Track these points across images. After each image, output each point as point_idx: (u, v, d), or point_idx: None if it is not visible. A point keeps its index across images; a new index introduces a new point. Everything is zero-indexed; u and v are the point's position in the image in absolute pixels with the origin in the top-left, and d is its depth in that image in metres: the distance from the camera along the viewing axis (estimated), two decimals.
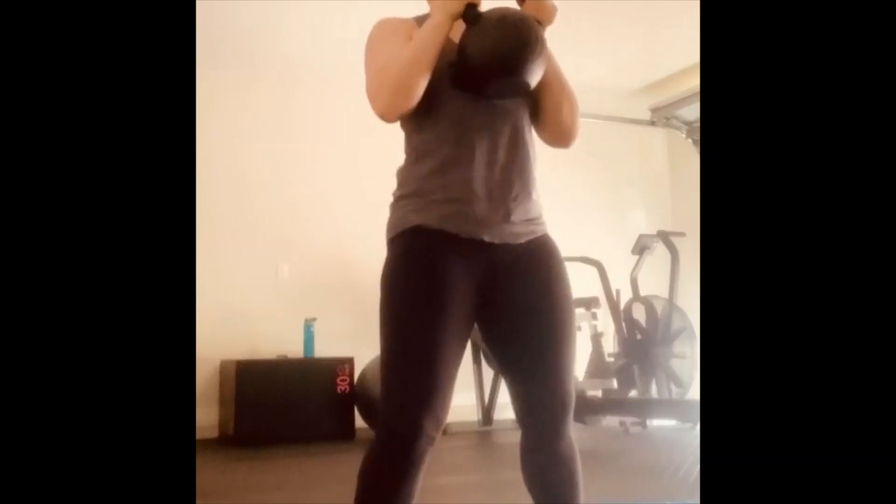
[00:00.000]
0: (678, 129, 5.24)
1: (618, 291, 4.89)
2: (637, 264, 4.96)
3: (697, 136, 5.12)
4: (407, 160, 1.41)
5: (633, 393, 4.69)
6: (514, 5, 1.39)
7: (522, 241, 1.36)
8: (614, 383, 4.67)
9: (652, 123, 5.22)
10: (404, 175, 1.40)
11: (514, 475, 2.23)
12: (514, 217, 1.35)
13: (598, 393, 4.64)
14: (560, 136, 1.43)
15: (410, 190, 1.36)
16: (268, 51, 4.64)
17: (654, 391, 4.69)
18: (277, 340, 4.63)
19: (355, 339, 4.52)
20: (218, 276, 4.54)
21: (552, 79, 1.37)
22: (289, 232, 4.86)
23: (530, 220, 1.38)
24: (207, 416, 4.42)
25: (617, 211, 5.74)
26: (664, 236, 4.93)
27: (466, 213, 1.31)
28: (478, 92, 1.32)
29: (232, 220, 4.73)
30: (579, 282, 4.88)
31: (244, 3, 3.96)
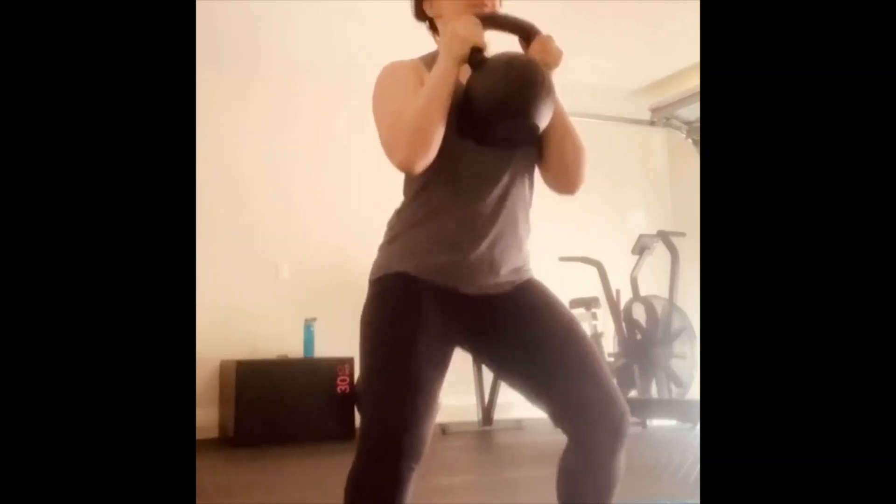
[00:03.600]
0: (678, 129, 5.24)
1: (618, 291, 4.89)
2: (637, 264, 4.96)
3: (697, 136, 5.12)
4: (402, 204, 1.41)
5: (633, 393, 4.69)
6: (518, 46, 1.38)
7: (504, 290, 1.37)
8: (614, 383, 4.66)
9: (652, 123, 5.22)
10: (394, 220, 1.40)
11: (514, 475, 2.22)
12: (499, 270, 1.35)
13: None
14: (564, 184, 1.41)
15: (396, 234, 1.37)
16: (268, 51, 4.64)
17: (654, 391, 4.69)
18: (277, 340, 4.64)
19: (355, 339, 4.47)
20: (218, 276, 4.54)
21: (557, 123, 1.34)
22: (289, 232, 4.86)
23: (515, 270, 1.38)
24: (207, 416, 4.42)
25: (617, 211, 5.74)
26: (664, 236, 4.93)
27: (449, 266, 1.32)
28: (483, 139, 1.30)
29: (232, 220, 4.73)
30: (579, 282, 4.93)
31: (244, 3, 3.96)
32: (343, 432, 4.28)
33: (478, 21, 1.31)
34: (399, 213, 1.40)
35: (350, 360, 4.40)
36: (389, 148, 1.28)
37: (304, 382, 4.33)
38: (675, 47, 4.53)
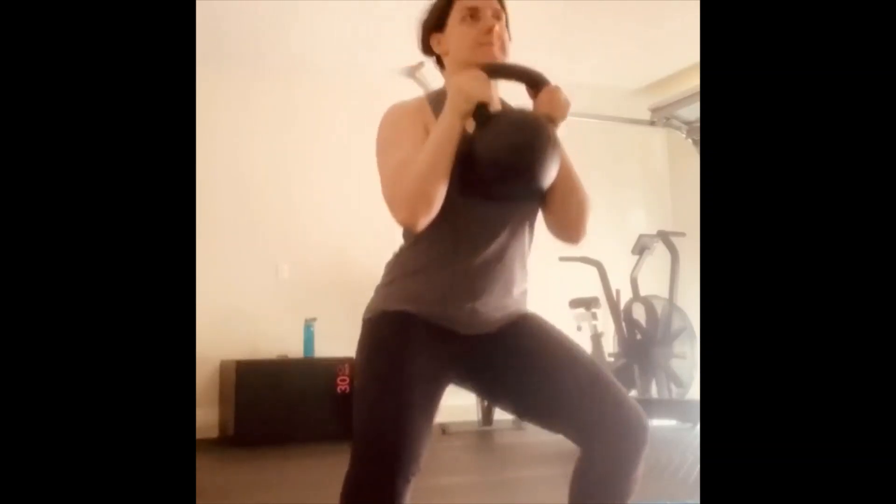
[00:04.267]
0: (678, 129, 5.23)
1: (618, 291, 4.89)
2: (637, 264, 4.95)
3: (697, 136, 5.11)
4: (400, 248, 1.41)
5: (633, 393, 4.68)
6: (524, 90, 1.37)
7: (499, 326, 1.38)
8: None
9: (652, 123, 5.21)
10: (392, 264, 1.41)
11: (514, 475, 2.23)
12: (495, 315, 1.36)
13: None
14: (566, 236, 1.41)
15: (394, 279, 1.38)
16: (268, 50, 4.64)
17: (654, 391, 4.69)
18: (277, 340, 4.63)
19: (355, 340, 4.51)
20: (218, 276, 4.53)
21: (563, 177, 1.33)
22: (289, 232, 4.86)
23: (511, 311, 1.39)
24: (207, 416, 4.42)
25: (617, 211, 5.73)
26: (664, 236, 4.93)
27: (445, 311, 1.33)
28: (486, 196, 1.30)
29: (232, 220, 4.73)
30: (579, 282, 4.92)
31: (244, 3, 3.95)
32: (343, 432, 4.27)
33: (484, 75, 1.28)
34: (397, 259, 1.41)
35: (350, 360, 4.39)
36: (391, 204, 1.27)
37: (304, 382, 4.33)
38: (675, 47, 4.53)
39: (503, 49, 1.38)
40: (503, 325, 1.38)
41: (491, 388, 1.42)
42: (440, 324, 1.34)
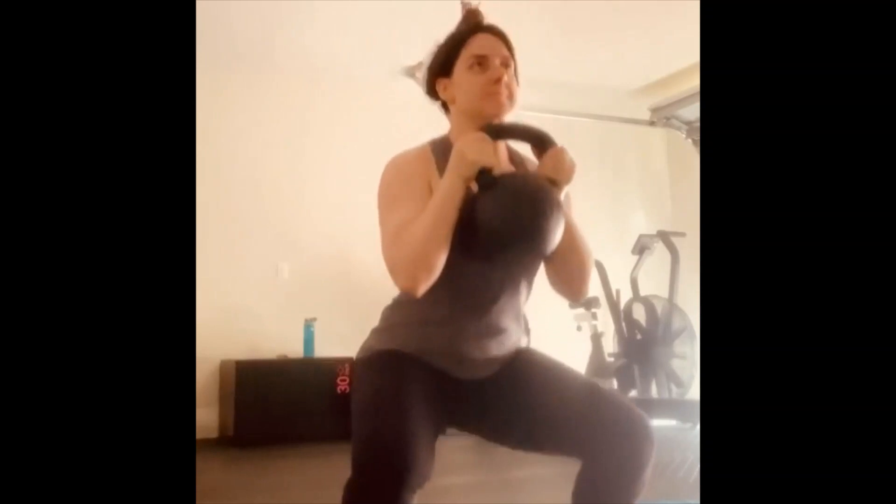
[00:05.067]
0: (678, 129, 5.23)
1: (618, 291, 4.89)
2: (637, 264, 4.96)
3: (697, 136, 5.11)
4: (398, 296, 1.41)
5: (633, 393, 4.68)
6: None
7: (495, 370, 1.38)
8: (614, 383, 4.66)
9: (652, 123, 5.22)
10: (389, 312, 1.42)
11: (514, 475, 2.23)
12: (491, 362, 1.37)
13: (601, 386, 4.63)
14: (566, 294, 1.41)
15: (390, 325, 1.39)
16: (268, 51, 4.64)
17: (654, 391, 4.69)
18: (277, 340, 4.63)
19: (355, 339, 4.48)
20: (218, 276, 4.53)
21: (565, 238, 1.31)
22: (289, 232, 4.86)
23: (502, 356, 1.39)
24: (207, 416, 4.42)
25: (617, 211, 5.73)
26: (664, 236, 4.93)
27: (439, 356, 1.34)
28: (488, 258, 1.29)
29: (232, 220, 4.73)
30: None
31: (244, 3, 3.95)
32: (343, 432, 4.25)
33: (487, 139, 1.26)
34: (394, 308, 1.41)
35: (350, 360, 4.39)
36: (392, 269, 1.25)
37: (304, 382, 4.33)
38: (675, 47, 4.52)
39: (511, 99, 1.35)
40: (500, 369, 1.38)
41: (493, 431, 1.42)
42: (436, 365, 1.34)
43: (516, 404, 1.35)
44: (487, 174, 1.24)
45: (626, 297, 4.94)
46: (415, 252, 1.21)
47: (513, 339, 1.41)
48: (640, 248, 4.93)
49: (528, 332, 1.49)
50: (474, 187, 1.26)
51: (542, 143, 1.32)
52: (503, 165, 1.39)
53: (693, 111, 4.91)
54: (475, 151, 1.23)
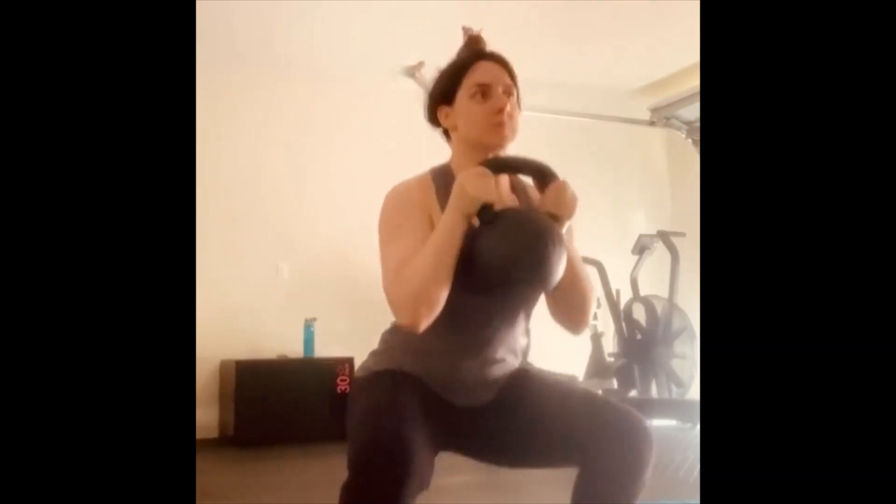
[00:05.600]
0: (678, 129, 5.24)
1: (618, 291, 4.89)
2: (637, 264, 4.96)
3: (697, 136, 5.11)
4: (393, 325, 1.40)
5: (633, 393, 4.68)
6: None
7: (493, 395, 1.38)
8: (614, 383, 4.67)
9: (652, 123, 5.22)
10: (388, 336, 1.42)
11: (514, 475, 2.22)
12: (488, 388, 1.37)
13: (598, 393, 4.64)
14: (567, 326, 1.40)
15: (389, 348, 1.39)
16: (268, 51, 4.63)
17: (654, 391, 4.69)
18: (277, 340, 4.63)
19: (355, 339, 4.49)
20: (218, 276, 4.53)
21: (567, 270, 1.29)
22: (289, 232, 4.86)
23: (499, 380, 1.39)
24: (207, 416, 4.42)
25: (617, 211, 5.73)
26: (664, 236, 4.93)
27: (437, 381, 1.34)
28: (489, 293, 1.29)
29: (232, 220, 4.73)
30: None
31: (244, 3, 3.95)
32: (343, 432, 4.26)
33: (489, 174, 1.25)
34: (393, 332, 1.40)
35: (350, 360, 4.39)
36: (393, 305, 1.25)
37: (304, 382, 4.33)
38: (675, 47, 4.52)
39: (514, 129, 1.35)
40: (497, 394, 1.39)
41: (494, 456, 1.42)
42: (434, 388, 1.35)
43: (517, 427, 1.35)
44: (489, 210, 1.24)
45: (626, 297, 4.94)
46: (416, 290, 1.21)
47: (509, 366, 1.42)
48: (640, 248, 4.92)
49: (526, 353, 1.49)
50: (476, 222, 1.26)
51: (544, 177, 1.31)
52: (505, 198, 1.39)
53: (693, 111, 4.92)
54: (476, 187, 1.22)
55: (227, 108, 4.79)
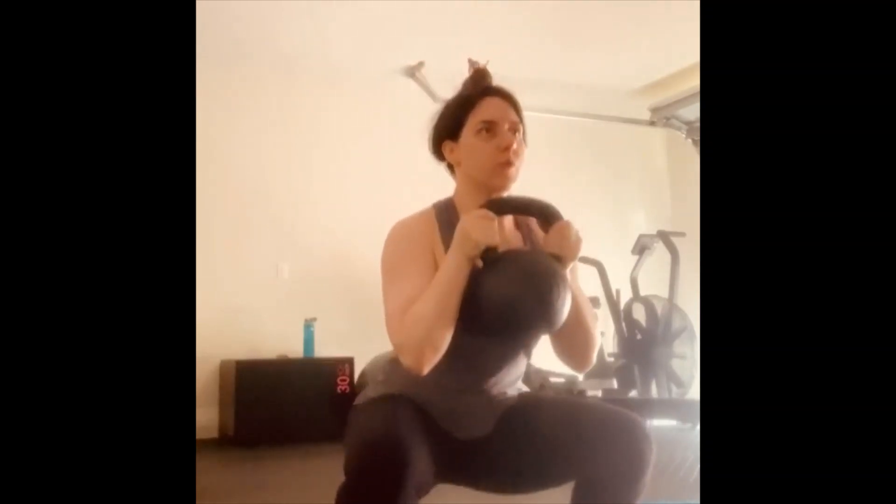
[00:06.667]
0: (678, 129, 5.24)
1: (618, 291, 4.89)
2: (637, 264, 4.96)
3: (697, 136, 5.12)
4: (393, 355, 1.39)
5: (633, 393, 4.68)
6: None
7: (492, 426, 1.37)
8: (614, 383, 4.66)
9: (652, 123, 5.22)
10: (389, 367, 1.41)
11: None
12: (484, 417, 1.37)
13: (598, 393, 4.64)
14: (570, 365, 1.40)
15: (389, 378, 1.39)
16: (269, 50, 4.64)
17: (654, 391, 4.69)
18: (277, 340, 4.63)
19: (355, 339, 4.52)
20: (218, 276, 4.53)
21: (571, 310, 1.27)
22: (289, 232, 4.86)
23: (497, 411, 1.38)
24: (207, 416, 4.42)
25: (617, 211, 5.74)
26: (664, 236, 4.93)
27: (437, 412, 1.34)
28: (489, 334, 1.29)
29: (232, 219, 4.73)
30: (579, 282, 4.91)
31: (245, 3, 3.95)
32: (343, 432, 4.27)
33: (492, 216, 1.23)
34: (394, 363, 1.38)
35: (350, 360, 4.39)
36: (397, 348, 1.25)
37: (304, 382, 4.32)
38: (675, 47, 4.52)
39: (519, 168, 1.34)
40: (495, 426, 1.37)
41: (493, 486, 1.41)
42: (434, 415, 1.34)
43: (515, 457, 1.34)
44: (492, 252, 1.23)
45: (626, 297, 4.94)
46: (420, 333, 1.20)
47: (509, 397, 1.41)
48: (640, 248, 4.93)
49: (522, 373, 1.49)
50: (479, 263, 1.25)
51: (548, 218, 1.31)
52: (509, 238, 1.38)
53: (693, 111, 4.92)
54: (479, 231, 1.21)
55: (228, 108, 4.79)
